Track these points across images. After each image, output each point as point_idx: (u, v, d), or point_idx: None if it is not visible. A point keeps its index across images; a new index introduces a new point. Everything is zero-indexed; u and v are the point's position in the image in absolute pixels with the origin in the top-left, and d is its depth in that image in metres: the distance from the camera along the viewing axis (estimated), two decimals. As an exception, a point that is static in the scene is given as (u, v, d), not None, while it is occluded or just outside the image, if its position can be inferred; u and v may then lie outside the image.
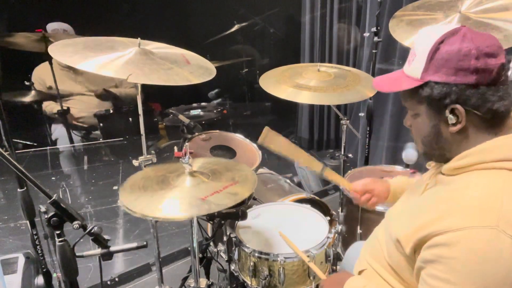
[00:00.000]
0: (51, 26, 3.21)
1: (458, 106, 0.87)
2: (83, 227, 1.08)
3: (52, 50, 1.41)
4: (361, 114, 2.78)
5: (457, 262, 0.80)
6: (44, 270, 1.66)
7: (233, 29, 4.12)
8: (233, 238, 1.62)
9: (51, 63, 2.98)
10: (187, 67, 1.56)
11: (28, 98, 3.06)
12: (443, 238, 0.82)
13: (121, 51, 1.49)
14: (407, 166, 2.15)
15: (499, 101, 0.86)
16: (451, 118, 0.89)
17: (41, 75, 3.23)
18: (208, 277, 1.82)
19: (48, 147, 3.42)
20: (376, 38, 2.34)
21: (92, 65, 1.36)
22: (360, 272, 1.18)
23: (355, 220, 1.95)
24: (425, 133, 0.97)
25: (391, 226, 1.03)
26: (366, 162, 2.59)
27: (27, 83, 3.07)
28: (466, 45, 0.86)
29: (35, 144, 3.42)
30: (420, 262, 0.90)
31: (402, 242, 0.94)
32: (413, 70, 0.92)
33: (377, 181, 1.43)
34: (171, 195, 1.30)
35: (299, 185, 3.16)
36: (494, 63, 0.85)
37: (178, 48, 1.72)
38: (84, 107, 3.37)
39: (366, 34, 2.73)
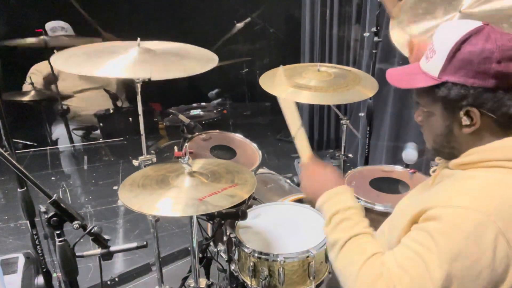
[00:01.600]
0: (50, 25, 3.20)
1: (474, 109, 0.85)
2: (83, 227, 1.08)
3: (54, 60, 1.43)
4: (361, 114, 2.78)
5: (441, 234, 0.79)
6: (44, 270, 1.66)
7: (233, 29, 4.12)
8: (233, 238, 1.62)
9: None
10: (190, 58, 1.57)
11: (28, 98, 3.06)
12: (432, 211, 0.82)
13: (123, 53, 1.51)
14: (407, 166, 2.15)
15: None
16: (466, 120, 0.87)
17: (40, 69, 3.21)
18: (208, 277, 1.81)
19: (48, 147, 3.42)
20: (376, 38, 2.34)
21: (102, 70, 1.40)
22: None
23: (355, 220, 1.94)
24: (438, 132, 0.94)
25: (396, 218, 1.02)
26: (366, 162, 2.59)
27: (27, 83, 3.07)
28: (488, 47, 0.82)
29: (35, 144, 3.42)
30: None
31: (405, 227, 0.91)
32: (431, 67, 0.90)
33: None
34: (169, 195, 1.31)
35: (299, 185, 3.15)
36: None
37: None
38: (86, 105, 3.37)
39: (366, 34, 2.73)
